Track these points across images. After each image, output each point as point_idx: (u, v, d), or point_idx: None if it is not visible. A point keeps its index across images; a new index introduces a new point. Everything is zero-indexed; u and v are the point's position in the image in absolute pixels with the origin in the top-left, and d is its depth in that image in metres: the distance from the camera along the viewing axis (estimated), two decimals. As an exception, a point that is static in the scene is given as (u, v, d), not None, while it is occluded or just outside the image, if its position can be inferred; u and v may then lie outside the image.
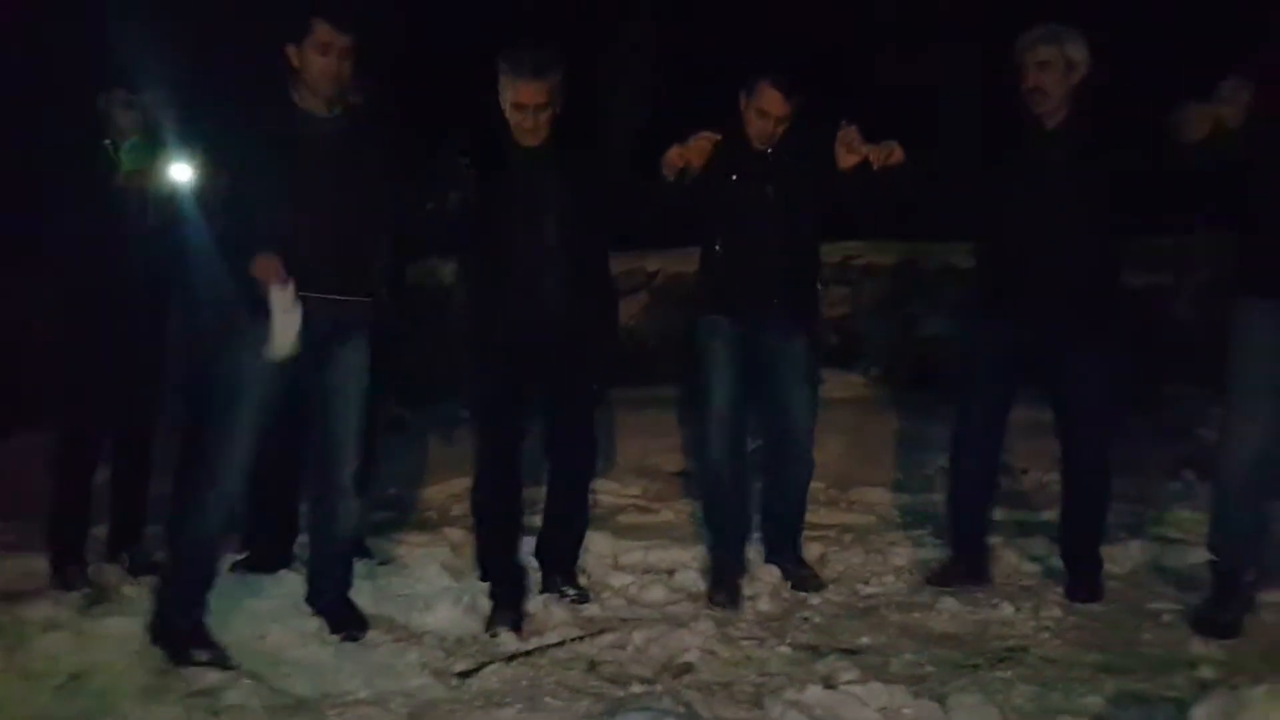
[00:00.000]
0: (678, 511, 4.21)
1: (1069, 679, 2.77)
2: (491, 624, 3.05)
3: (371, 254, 2.95)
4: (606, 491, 4.55)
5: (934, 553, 3.78)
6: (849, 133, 3.22)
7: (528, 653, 2.88)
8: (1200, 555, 3.59)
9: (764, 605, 3.34)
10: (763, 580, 3.55)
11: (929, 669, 2.85)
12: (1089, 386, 3.31)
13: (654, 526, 4.13)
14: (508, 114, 3.07)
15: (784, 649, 2.96)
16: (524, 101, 3.03)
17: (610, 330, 3.45)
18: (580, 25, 6.86)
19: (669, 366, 3.95)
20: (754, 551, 3.67)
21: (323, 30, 2.81)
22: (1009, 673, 2.81)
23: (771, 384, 3.46)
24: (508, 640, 2.96)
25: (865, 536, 4.04)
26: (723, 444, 3.39)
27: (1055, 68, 3.16)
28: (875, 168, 3.20)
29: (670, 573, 3.61)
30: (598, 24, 7.46)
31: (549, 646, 2.93)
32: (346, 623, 2.97)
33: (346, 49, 2.83)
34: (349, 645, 2.89)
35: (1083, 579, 3.39)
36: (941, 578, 3.51)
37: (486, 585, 3.20)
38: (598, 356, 3.30)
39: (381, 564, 3.50)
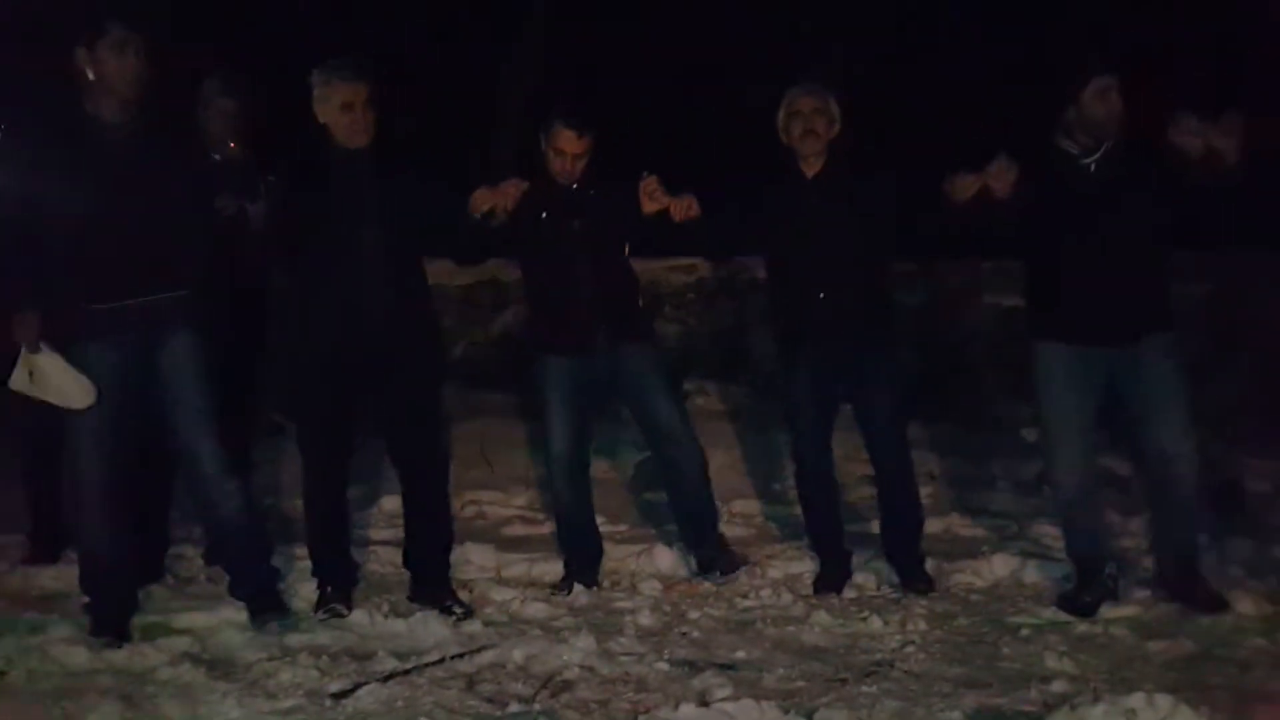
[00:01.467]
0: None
1: (931, 694, 2.87)
2: (318, 608, 3.24)
3: (179, 251, 2.98)
4: (491, 502, 4.52)
5: (809, 565, 3.88)
6: (650, 183, 3.48)
7: (405, 671, 2.84)
8: (1060, 570, 3.82)
9: (644, 619, 3.37)
10: (642, 593, 3.59)
11: (800, 684, 2.91)
12: (881, 401, 3.63)
13: (539, 539, 4.11)
14: (332, 119, 3.20)
15: (662, 665, 2.99)
16: (351, 100, 3.17)
17: (432, 338, 3.55)
18: (472, 34, 6.83)
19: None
20: (635, 564, 3.70)
21: (117, 33, 2.85)
22: (875, 687, 2.90)
23: (628, 400, 3.68)
24: (385, 660, 2.91)
25: (744, 549, 4.11)
26: (566, 483, 3.66)
27: (821, 117, 3.51)
28: (676, 219, 3.48)
29: (554, 586, 3.61)
30: (490, 34, 7.43)
31: (427, 665, 2.89)
32: (264, 610, 3.06)
33: (140, 48, 2.89)
34: (221, 666, 2.81)
35: (914, 573, 3.68)
36: (815, 587, 3.70)
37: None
38: (425, 365, 3.43)
39: None
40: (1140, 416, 3.40)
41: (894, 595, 3.68)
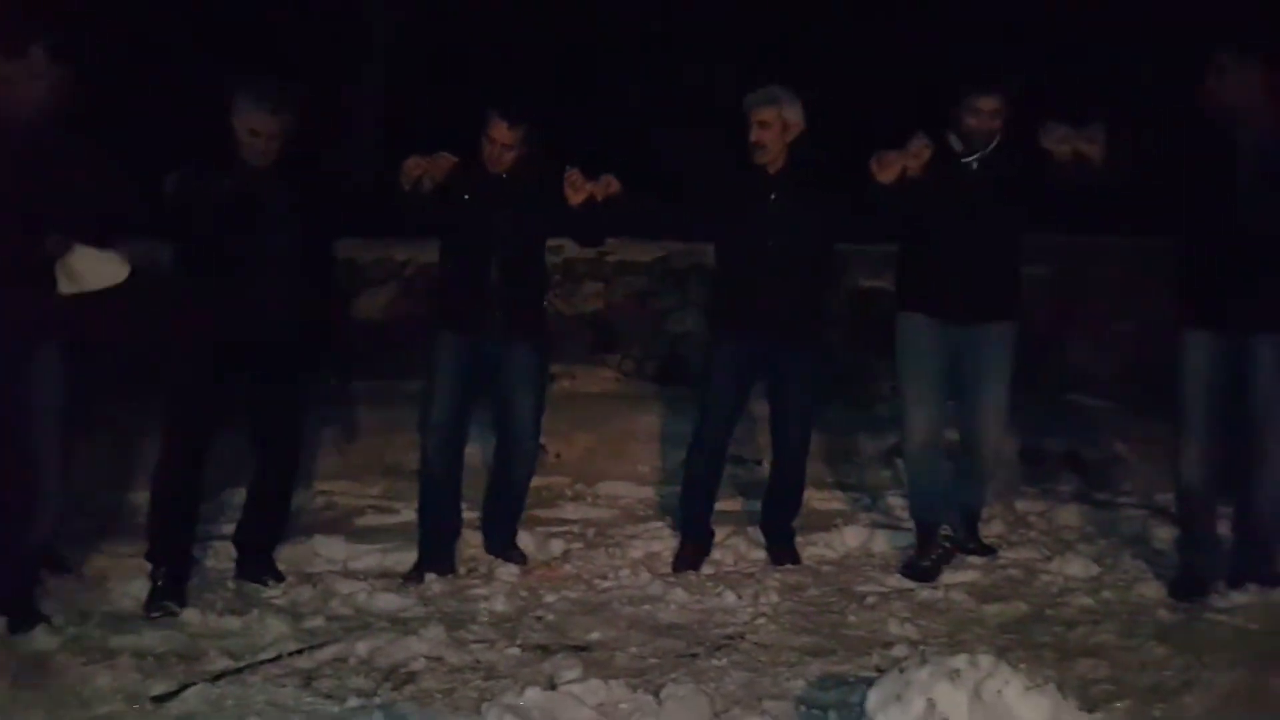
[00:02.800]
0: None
1: (778, 663, 2.95)
2: (149, 607, 3.17)
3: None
4: (343, 492, 4.40)
5: (670, 544, 3.92)
6: (572, 175, 3.55)
7: (238, 670, 2.75)
8: (906, 538, 3.96)
9: (499, 606, 3.34)
10: (499, 579, 3.56)
11: (651, 661, 2.95)
12: (799, 388, 3.79)
13: (393, 528, 4.03)
14: (242, 137, 3.32)
15: (514, 650, 2.97)
16: (259, 129, 3.31)
17: (323, 335, 3.65)
18: (315, 62, 6.76)
19: (417, 360, 3.91)
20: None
21: None
22: (724, 660, 2.95)
23: (499, 389, 3.70)
24: (217, 659, 2.81)
25: (607, 531, 4.12)
26: (438, 453, 3.67)
27: (772, 127, 3.60)
28: (599, 199, 3.57)
29: (405, 576, 3.55)
30: (332, 64, 7.35)
31: (262, 663, 2.80)
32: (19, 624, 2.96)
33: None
34: (28, 675, 2.66)
35: (785, 549, 3.83)
36: (674, 565, 3.75)
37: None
38: (307, 360, 3.53)
39: (78, 576, 3.25)
40: (965, 389, 3.73)
41: (749, 569, 3.75)
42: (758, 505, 4.41)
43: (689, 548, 3.80)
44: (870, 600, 3.46)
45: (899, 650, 3.02)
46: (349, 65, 7.63)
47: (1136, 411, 4.92)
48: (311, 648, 2.91)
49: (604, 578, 3.63)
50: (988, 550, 3.83)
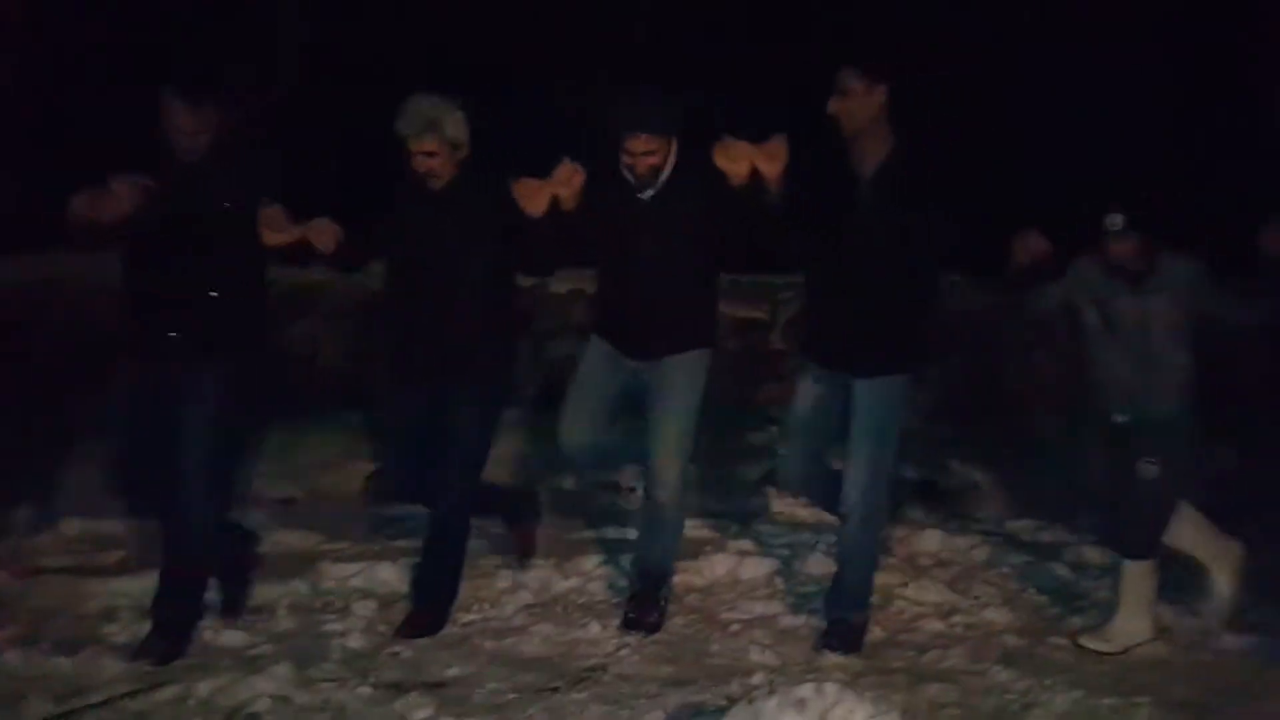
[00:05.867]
0: (275, 543, 3.97)
1: (639, 695, 2.94)
2: None
3: None
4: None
5: (540, 574, 3.87)
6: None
7: (60, 715, 2.58)
8: (772, 565, 4.01)
9: (354, 642, 3.25)
10: (356, 614, 3.46)
11: (510, 697, 2.90)
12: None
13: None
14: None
15: (365, 689, 2.89)
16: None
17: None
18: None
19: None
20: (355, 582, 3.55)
21: None
22: (584, 694, 2.93)
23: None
24: (37, 703, 2.63)
25: (475, 562, 4.05)
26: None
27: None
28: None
29: (257, 610, 3.41)
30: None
31: (91, 706, 2.65)
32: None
33: None
34: None
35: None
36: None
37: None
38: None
39: None
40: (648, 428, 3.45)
41: (618, 599, 3.73)
42: (634, 534, 4.43)
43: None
44: (734, 628, 3.48)
45: (758, 678, 3.05)
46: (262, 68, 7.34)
47: (993, 440, 5.12)
48: (149, 689, 2.76)
49: (467, 610, 3.56)
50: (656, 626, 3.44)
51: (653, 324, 3.39)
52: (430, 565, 3.45)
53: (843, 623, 3.36)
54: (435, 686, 2.93)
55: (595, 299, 3.62)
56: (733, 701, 2.51)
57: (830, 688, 2.28)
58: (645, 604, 3.47)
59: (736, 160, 3.09)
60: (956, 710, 2.86)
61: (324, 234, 3.15)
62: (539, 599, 3.65)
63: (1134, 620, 3.27)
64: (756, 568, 4.04)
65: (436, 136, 3.22)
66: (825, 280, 3.32)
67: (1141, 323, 3.19)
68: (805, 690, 2.25)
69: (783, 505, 4.74)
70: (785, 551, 4.20)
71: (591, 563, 3.94)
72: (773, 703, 2.21)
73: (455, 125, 3.26)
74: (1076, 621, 3.49)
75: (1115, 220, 3.10)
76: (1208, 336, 3.27)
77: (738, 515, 4.71)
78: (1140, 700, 2.86)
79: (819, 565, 4.02)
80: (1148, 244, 3.15)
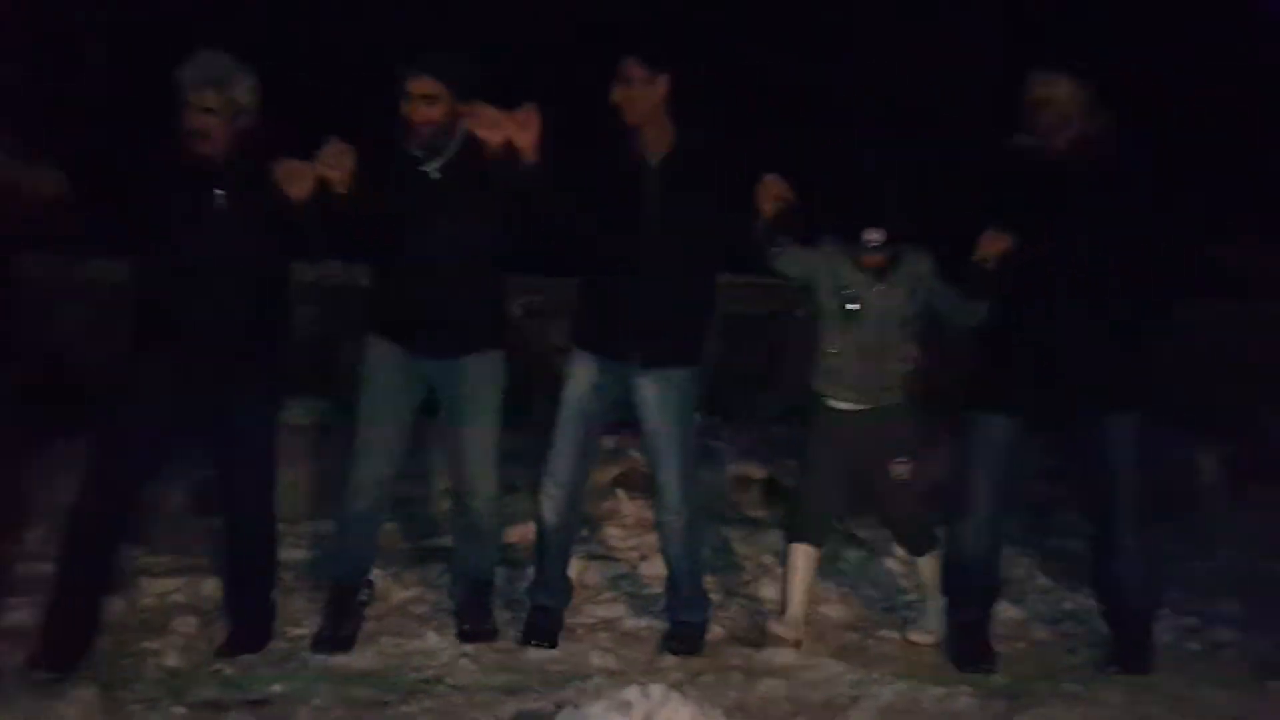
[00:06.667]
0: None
1: (473, 705, 2.88)
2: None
3: None
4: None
5: (376, 584, 3.75)
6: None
7: None
8: (618, 568, 4.01)
9: (171, 660, 3.07)
10: (177, 632, 3.27)
11: (337, 713, 2.80)
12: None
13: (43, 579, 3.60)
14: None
15: (179, 709, 2.73)
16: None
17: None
18: None
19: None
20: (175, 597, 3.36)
21: None
22: (416, 706, 2.85)
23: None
24: None
25: (309, 573, 3.90)
26: None
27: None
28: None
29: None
30: None
31: None
32: None
33: None
34: None
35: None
36: None
37: None
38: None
39: None
40: (446, 432, 3.35)
41: (454, 608, 3.65)
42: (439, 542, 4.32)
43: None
44: (578, 633, 3.46)
45: (596, 682, 3.03)
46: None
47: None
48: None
49: (297, 624, 3.42)
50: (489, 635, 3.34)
51: (445, 317, 3.17)
52: (238, 580, 3.28)
53: (684, 625, 3.37)
54: (256, 704, 2.81)
55: (376, 291, 3.26)
56: (560, 708, 2.48)
57: (656, 689, 2.28)
58: (476, 614, 3.40)
59: (489, 128, 2.98)
60: (788, 705, 2.91)
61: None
62: (374, 610, 3.53)
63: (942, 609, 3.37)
64: (602, 571, 4.03)
65: (218, 93, 2.92)
66: (609, 271, 3.18)
67: (880, 313, 3.21)
68: (630, 693, 2.24)
69: (632, 508, 4.74)
70: (633, 554, 4.20)
71: (433, 571, 3.85)
72: (599, 707, 2.20)
73: (244, 90, 2.98)
74: (906, 615, 3.61)
75: (872, 237, 3.13)
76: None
77: (586, 519, 4.68)
78: (961, 689, 2.96)
79: (665, 568, 4.05)
80: (897, 246, 3.17)
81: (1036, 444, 3.32)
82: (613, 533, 4.49)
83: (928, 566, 3.39)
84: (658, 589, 3.75)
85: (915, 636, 3.39)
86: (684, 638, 3.33)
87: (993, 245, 3.02)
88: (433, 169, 3.13)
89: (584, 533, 4.51)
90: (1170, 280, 3.25)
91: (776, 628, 3.26)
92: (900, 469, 3.26)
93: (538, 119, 2.99)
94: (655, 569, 3.96)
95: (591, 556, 4.18)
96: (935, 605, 3.38)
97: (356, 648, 3.25)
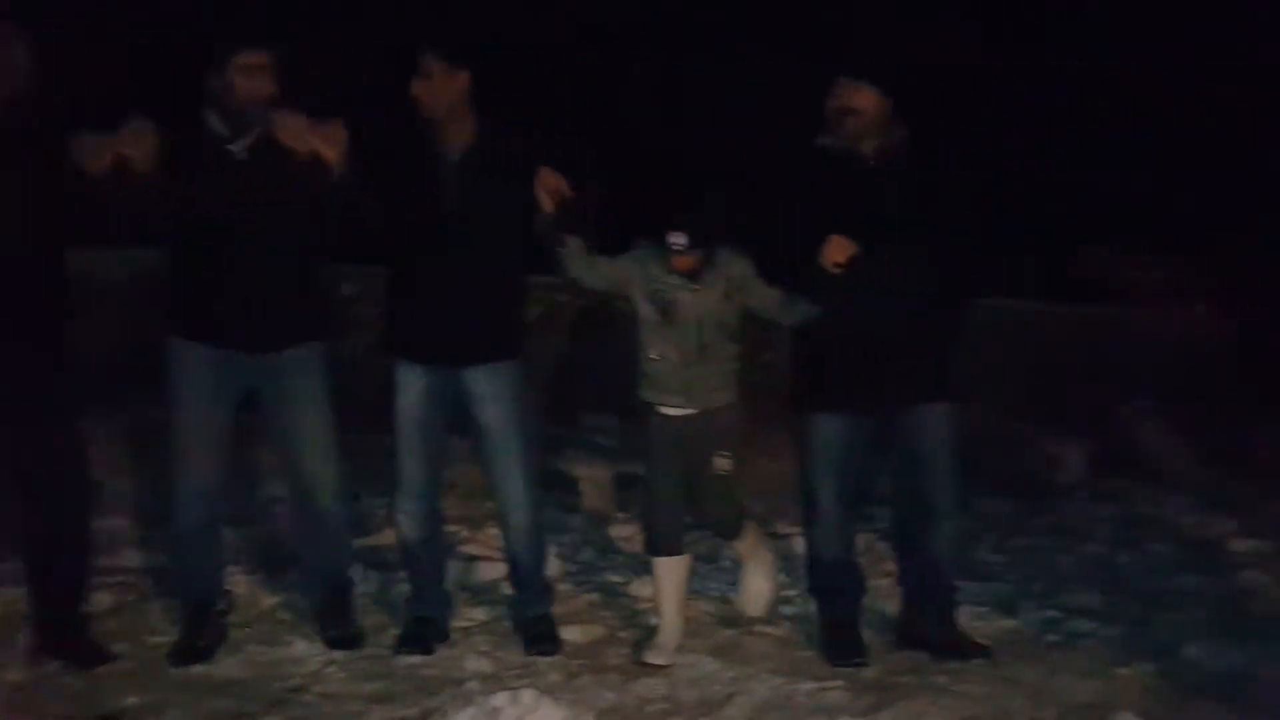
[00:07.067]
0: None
1: (341, 714, 2.79)
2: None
3: None
4: None
5: (242, 590, 3.60)
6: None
7: None
8: (499, 569, 3.95)
9: (13, 675, 2.89)
10: (22, 644, 3.08)
11: (193, 726, 2.67)
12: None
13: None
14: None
15: (21, 728, 2.57)
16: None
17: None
18: None
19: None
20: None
21: None
22: (280, 717, 2.76)
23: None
24: None
25: (169, 578, 3.72)
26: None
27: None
28: None
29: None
30: None
31: None
32: None
33: None
34: None
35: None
36: None
37: None
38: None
39: None
40: (273, 432, 3.25)
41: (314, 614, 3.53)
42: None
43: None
44: (454, 636, 3.39)
45: (471, 686, 2.98)
46: None
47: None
48: None
49: (155, 633, 3.26)
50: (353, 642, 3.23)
51: (255, 309, 3.00)
52: (59, 589, 3.06)
53: (538, 620, 3.34)
54: (109, 719, 2.65)
55: (176, 284, 3.06)
56: (428, 715, 2.42)
57: (527, 694, 2.24)
58: (338, 617, 3.30)
59: (293, 139, 2.93)
60: (664, 704, 2.91)
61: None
62: (241, 616, 3.39)
63: (763, 580, 3.47)
64: (485, 572, 3.96)
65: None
66: (419, 270, 3.12)
67: (697, 315, 3.20)
68: (500, 699, 2.20)
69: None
70: (517, 554, 4.14)
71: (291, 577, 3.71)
72: (467, 714, 2.15)
73: (16, 49, 2.81)
74: (786, 610, 3.65)
75: (679, 241, 3.12)
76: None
77: (469, 520, 4.61)
78: (833, 684, 3.01)
79: (549, 566, 4.01)
80: (707, 248, 3.16)
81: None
82: (494, 533, 4.40)
83: (743, 544, 3.46)
84: (549, 585, 3.71)
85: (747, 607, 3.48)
86: (544, 636, 3.30)
87: (839, 252, 3.06)
88: (239, 148, 3.01)
89: (463, 533, 4.45)
90: (969, 282, 3.40)
91: (649, 656, 3.20)
92: (723, 462, 3.26)
93: (344, 134, 2.96)
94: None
95: (472, 558, 4.12)
96: (758, 572, 3.47)
97: (219, 657, 3.12)
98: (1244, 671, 3.11)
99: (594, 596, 3.81)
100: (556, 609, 3.59)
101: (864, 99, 3.13)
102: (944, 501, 3.25)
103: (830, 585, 3.32)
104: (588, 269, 3.21)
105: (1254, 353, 4.70)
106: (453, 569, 3.95)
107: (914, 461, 3.25)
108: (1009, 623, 3.60)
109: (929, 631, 3.28)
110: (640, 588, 3.81)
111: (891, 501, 3.43)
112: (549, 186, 3.04)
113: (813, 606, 3.43)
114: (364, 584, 3.75)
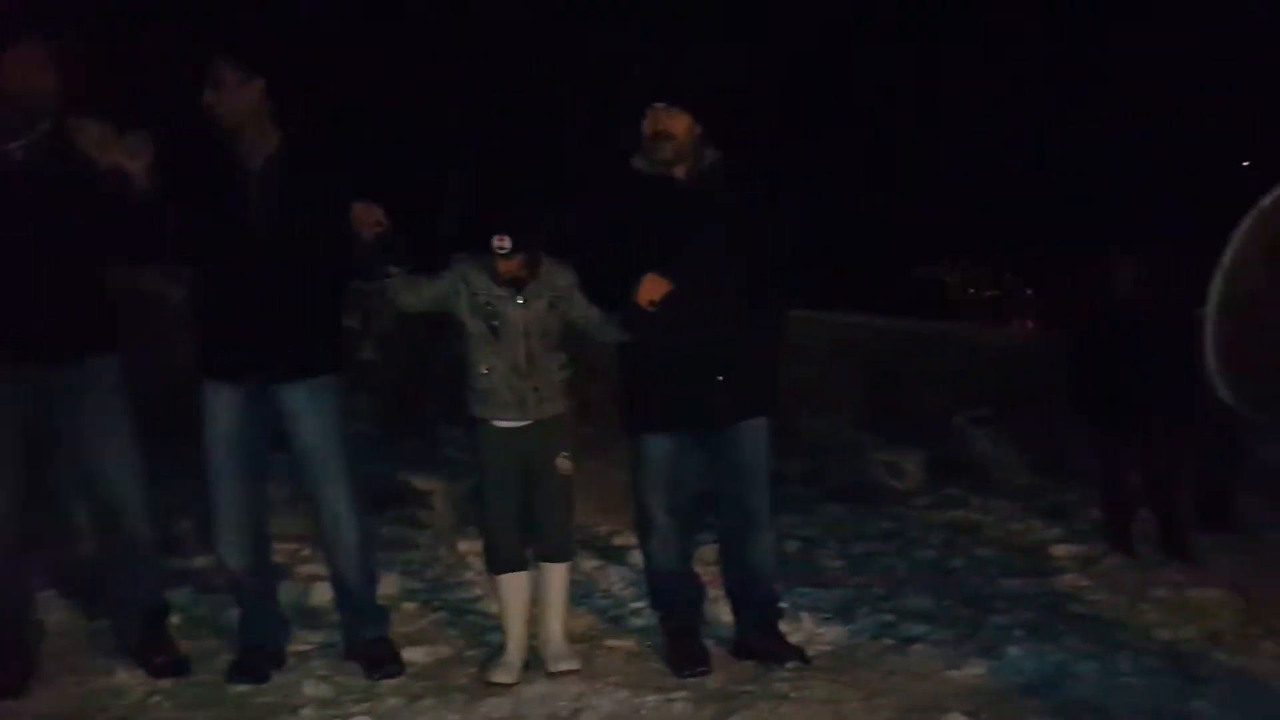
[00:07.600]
0: None
1: (164, 747, 2.64)
2: None
3: None
4: None
5: (59, 616, 3.39)
6: None
7: None
8: (395, 585, 3.82)
9: None
10: None
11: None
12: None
13: None
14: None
15: None
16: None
17: None
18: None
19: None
20: None
21: None
22: (94, 753, 2.58)
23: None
24: None
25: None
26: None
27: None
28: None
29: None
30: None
31: None
32: None
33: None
34: None
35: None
36: None
37: None
38: None
39: None
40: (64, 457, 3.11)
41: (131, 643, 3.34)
42: (198, 561, 4.04)
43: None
44: (291, 660, 3.26)
45: (308, 713, 2.87)
46: None
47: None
48: None
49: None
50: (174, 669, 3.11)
51: (37, 321, 2.87)
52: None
53: (374, 643, 3.24)
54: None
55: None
56: None
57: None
58: (156, 645, 3.13)
59: (96, 150, 2.83)
60: (509, 723, 2.87)
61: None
62: (53, 646, 3.19)
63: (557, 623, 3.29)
64: (324, 594, 3.81)
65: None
66: (226, 285, 3.03)
67: (525, 327, 3.21)
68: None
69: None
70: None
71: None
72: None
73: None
74: (636, 623, 3.66)
75: (503, 245, 3.12)
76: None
77: (310, 538, 4.44)
78: (677, 695, 3.03)
79: (392, 584, 3.91)
80: (533, 256, 3.18)
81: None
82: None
83: (556, 576, 3.29)
84: (385, 606, 3.61)
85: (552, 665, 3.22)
86: (384, 658, 3.21)
87: (654, 289, 3.12)
88: (15, 148, 2.85)
89: (305, 552, 4.29)
90: (783, 300, 3.51)
91: (494, 675, 3.14)
92: (564, 463, 3.25)
93: (150, 148, 2.86)
94: (385, 586, 3.82)
95: (315, 578, 3.97)
96: (555, 624, 3.27)
97: (33, 690, 2.91)
98: (1062, 669, 3.30)
99: (440, 615, 3.73)
100: (401, 629, 3.52)
101: (676, 124, 3.18)
102: (762, 513, 3.31)
103: (669, 596, 3.35)
104: (414, 296, 3.20)
105: (1074, 365, 5.01)
106: (289, 590, 3.81)
107: (735, 475, 3.31)
108: (849, 627, 3.71)
109: (755, 642, 3.34)
110: (490, 604, 3.75)
111: (716, 513, 3.47)
112: (366, 220, 2.99)
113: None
114: (195, 607, 3.58)
